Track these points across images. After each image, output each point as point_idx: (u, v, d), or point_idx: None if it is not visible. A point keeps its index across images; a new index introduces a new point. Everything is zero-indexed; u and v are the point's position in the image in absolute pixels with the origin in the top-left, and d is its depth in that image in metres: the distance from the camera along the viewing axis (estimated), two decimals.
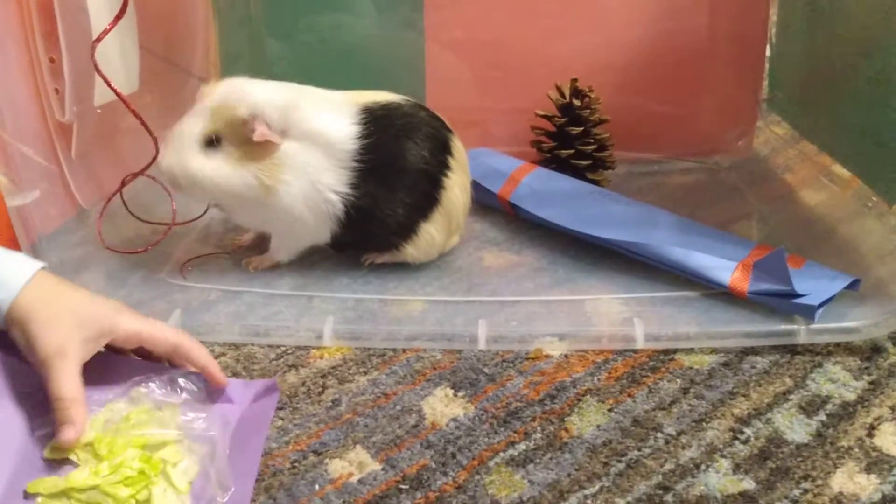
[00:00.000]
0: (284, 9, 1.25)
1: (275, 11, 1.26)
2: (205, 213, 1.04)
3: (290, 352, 0.85)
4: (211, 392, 0.73)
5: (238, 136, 0.87)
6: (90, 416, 0.66)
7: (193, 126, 0.88)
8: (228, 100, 0.87)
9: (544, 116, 1.18)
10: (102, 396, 0.69)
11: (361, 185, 0.91)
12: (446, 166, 0.95)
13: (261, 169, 0.88)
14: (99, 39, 0.89)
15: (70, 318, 0.67)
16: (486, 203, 1.11)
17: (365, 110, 0.92)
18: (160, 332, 0.72)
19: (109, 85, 0.91)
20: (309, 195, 0.90)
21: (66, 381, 0.64)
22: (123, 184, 0.98)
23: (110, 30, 0.89)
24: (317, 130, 0.89)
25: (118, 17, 0.89)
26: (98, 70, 0.89)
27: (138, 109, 0.93)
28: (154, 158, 0.92)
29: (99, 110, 0.99)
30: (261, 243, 1.01)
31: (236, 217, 0.97)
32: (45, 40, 0.90)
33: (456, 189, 0.96)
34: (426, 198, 0.94)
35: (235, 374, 0.82)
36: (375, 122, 0.91)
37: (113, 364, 0.72)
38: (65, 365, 0.65)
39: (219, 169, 0.88)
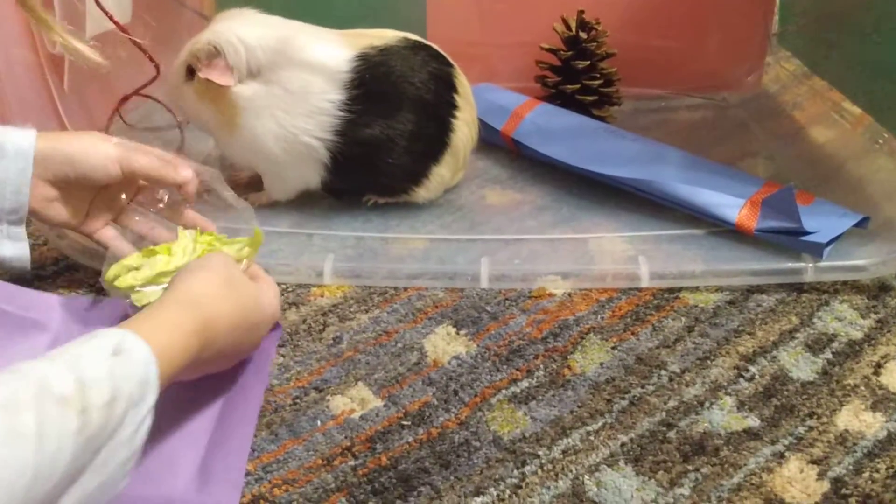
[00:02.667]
0: None
1: None
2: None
3: (290, 289, 0.84)
4: None
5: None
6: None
7: (182, 53, 0.89)
8: (205, 32, 0.88)
9: (549, 50, 1.15)
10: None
11: (352, 132, 0.89)
12: (453, 106, 0.93)
13: (219, 107, 0.88)
14: None
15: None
16: (489, 140, 1.09)
17: (360, 57, 0.89)
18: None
19: (108, 15, 0.88)
20: (281, 138, 0.89)
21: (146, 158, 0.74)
22: (124, 100, 0.96)
23: None
24: (293, 77, 0.87)
25: None
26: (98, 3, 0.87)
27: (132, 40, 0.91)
28: (153, 79, 0.90)
29: (91, 42, 0.96)
30: (259, 181, 0.99)
31: (224, 152, 0.97)
32: None
33: (464, 127, 0.94)
34: (436, 142, 0.93)
35: None
36: (372, 69, 0.89)
37: None
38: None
39: (189, 99, 0.90)
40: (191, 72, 0.88)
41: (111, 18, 0.89)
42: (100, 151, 0.72)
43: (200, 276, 0.62)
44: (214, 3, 1.23)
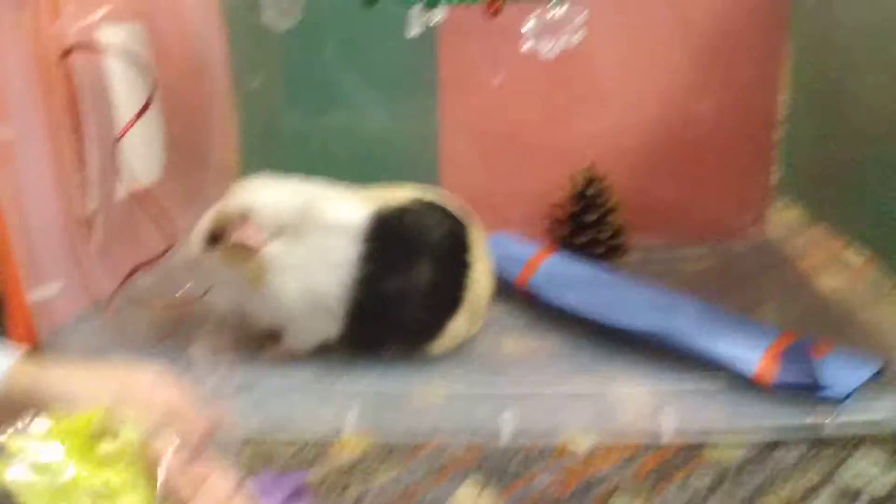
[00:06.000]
0: (302, 100, 1.27)
1: (293, 102, 1.28)
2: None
3: (309, 445, 0.84)
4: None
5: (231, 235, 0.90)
6: None
7: (203, 223, 0.92)
8: (230, 199, 0.91)
9: (558, 205, 1.19)
10: None
11: (366, 289, 0.91)
12: (466, 266, 0.95)
13: (246, 268, 0.91)
14: (121, 136, 0.89)
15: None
16: (504, 288, 1.10)
17: (377, 214, 0.93)
18: None
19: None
20: (304, 293, 0.91)
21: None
22: (132, 273, 0.98)
23: (131, 126, 0.90)
24: (315, 234, 0.91)
25: (140, 114, 0.90)
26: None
27: (159, 198, 0.94)
28: (165, 251, 0.92)
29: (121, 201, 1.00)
30: (276, 332, 1.01)
31: (246, 311, 0.98)
32: (72, 133, 0.91)
33: (478, 284, 0.96)
34: (451, 298, 0.95)
35: (253, 470, 0.80)
36: (384, 228, 0.92)
37: None
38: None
39: (211, 265, 0.92)
40: (214, 239, 0.91)
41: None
42: (93, 384, 0.58)
43: None
44: (239, 162, 1.28)
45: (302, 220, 0.91)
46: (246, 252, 0.90)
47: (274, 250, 0.90)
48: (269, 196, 0.91)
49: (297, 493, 0.75)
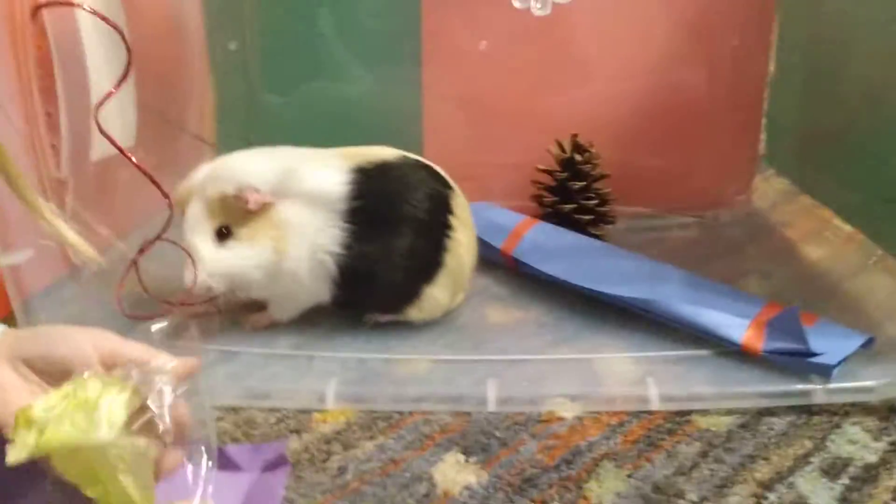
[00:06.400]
0: (282, 65, 1.24)
1: (272, 67, 1.25)
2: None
3: (291, 415, 0.82)
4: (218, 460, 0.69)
5: (242, 216, 0.87)
6: None
7: (199, 228, 0.87)
8: (216, 186, 0.87)
9: (545, 171, 1.17)
10: None
11: (354, 246, 0.89)
12: (448, 227, 0.93)
13: (273, 238, 0.87)
14: (101, 103, 0.85)
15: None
16: (488, 258, 1.09)
17: (358, 170, 0.90)
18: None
19: (119, 148, 0.87)
20: (307, 256, 0.89)
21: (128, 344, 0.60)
22: (142, 252, 0.93)
23: (114, 93, 0.86)
24: (307, 192, 0.88)
25: (122, 80, 0.86)
26: (103, 132, 0.86)
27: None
28: (168, 221, 0.88)
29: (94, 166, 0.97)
30: (257, 299, 0.98)
31: (255, 292, 0.94)
32: (43, 95, 0.88)
33: (460, 249, 0.94)
34: (428, 261, 0.93)
35: (235, 440, 0.78)
36: (369, 182, 0.90)
37: None
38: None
39: (241, 255, 0.87)
40: (222, 233, 0.87)
41: (125, 154, 0.88)
42: (76, 333, 0.61)
43: None
44: (214, 128, 1.25)
45: (287, 184, 0.88)
46: (262, 227, 0.87)
47: (286, 211, 0.88)
48: (252, 163, 0.88)
49: (275, 463, 0.73)
